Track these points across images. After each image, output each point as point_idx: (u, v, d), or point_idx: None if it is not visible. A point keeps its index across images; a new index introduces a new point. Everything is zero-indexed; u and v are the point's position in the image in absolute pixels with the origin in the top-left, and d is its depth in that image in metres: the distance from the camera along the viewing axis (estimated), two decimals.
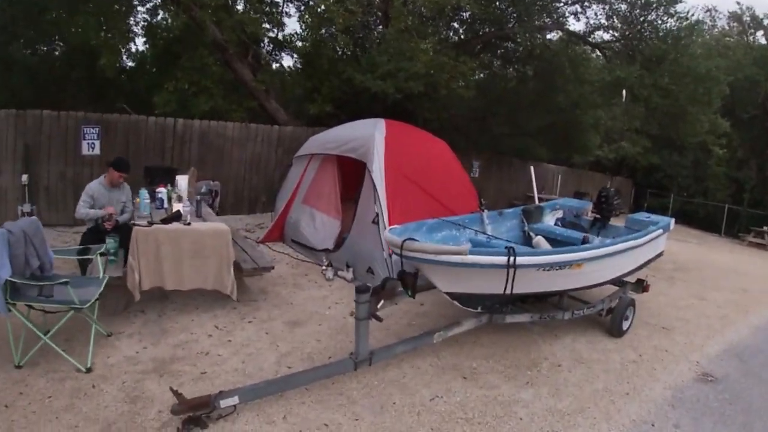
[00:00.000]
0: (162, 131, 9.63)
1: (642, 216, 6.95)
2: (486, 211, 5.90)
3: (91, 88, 14.09)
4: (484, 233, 5.53)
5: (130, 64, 15.39)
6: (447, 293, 4.10)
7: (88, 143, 8.96)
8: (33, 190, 8.47)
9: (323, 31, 11.90)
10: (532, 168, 7.45)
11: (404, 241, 3.75)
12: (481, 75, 14.99)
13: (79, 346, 4.19)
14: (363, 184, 6.55)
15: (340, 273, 6.60)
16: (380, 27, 12.83)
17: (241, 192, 10.44)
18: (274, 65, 13.52)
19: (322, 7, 10.69)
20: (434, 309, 5.74)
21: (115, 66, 11.35)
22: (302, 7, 12.89)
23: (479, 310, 4.48)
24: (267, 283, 6.28)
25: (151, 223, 5.01)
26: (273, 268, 5.72)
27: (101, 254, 5.11)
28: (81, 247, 5.03)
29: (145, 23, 13.56)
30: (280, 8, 13.11)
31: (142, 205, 5.72)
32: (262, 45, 11.70)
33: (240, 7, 12.04)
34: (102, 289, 4.31)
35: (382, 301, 4.00)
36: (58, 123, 8.78)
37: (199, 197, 7.55)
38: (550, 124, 14.72)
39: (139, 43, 14.81)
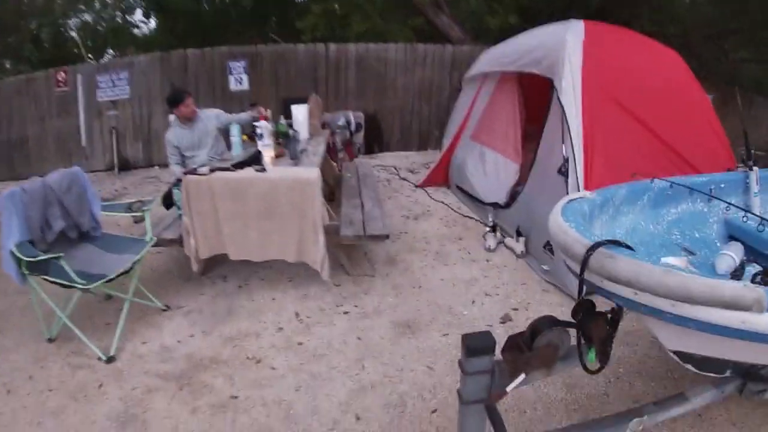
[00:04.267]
0: (313, 59, 8.22)
1: None
2: (756, 168, 3.27)
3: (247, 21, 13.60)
4: (748, 211, 2.93)
5: None
6: (675, 352, 1.80)
7: (235, 78, 8.26)
8: None
9: None
10: None
11: (592, 248, 1.60)
12: None
13: (131, 321, 3.26)
14: (549, 112, 4.28)
15: (507, 242, 4.49)
16: None
17: (409, 125, 8.58)
18: None
19: None
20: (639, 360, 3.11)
21: None
22: None
23: (728, 374, 1.97)
24: (401, 247, 4.49)
25: (214, 170, 3.56)
26: (387, 237, 3.83)
27: (167, 206, 4.21)
28: (132, 201, 3.71)
29: None
30: None
31: (234, 145, 4.28)
32: None
33: None
34: (140, 256, 3.24)
35: (522, 375, 1.76)
36: (203, 61, 8.23)
37: (336, 130, 6.01)
38: None
39: None
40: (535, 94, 5.02)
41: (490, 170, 5.27)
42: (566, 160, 3.79)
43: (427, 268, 4.10)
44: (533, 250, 4.21)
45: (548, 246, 3.90)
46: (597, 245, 1.59)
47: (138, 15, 16.52)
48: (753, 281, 2.08)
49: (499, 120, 5.38)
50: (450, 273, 4.01)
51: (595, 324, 1.72)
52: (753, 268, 2.28)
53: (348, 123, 6.10)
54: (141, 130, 8.36)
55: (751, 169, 3.20)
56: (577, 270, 1.64)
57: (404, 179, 6.72)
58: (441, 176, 6.29)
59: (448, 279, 3.90)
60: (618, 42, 4.87)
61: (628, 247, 1.62)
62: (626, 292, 1.52)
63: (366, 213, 4.08)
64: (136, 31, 16.97)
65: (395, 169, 7.24)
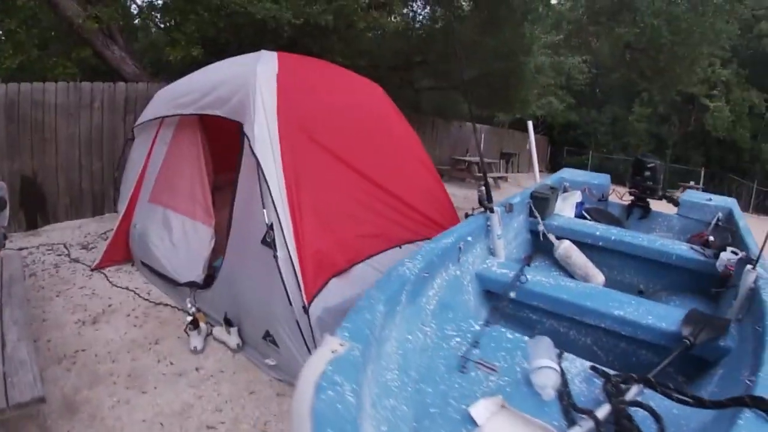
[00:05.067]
0: None
1: (698, 196, 4.94)
2: (498, 209, 3.21)
3: None
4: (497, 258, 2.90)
5: None
6: None
7: None
8: None
9: None
10: (530, 123, 4.86)
11: None
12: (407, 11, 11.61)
13: None
14: (240, 164, 3.46)
15: (216, 333, 3.57)
16: None
17: (78, 185, 6.93)
18: None
19: None
20: None
21: None
22: None
23: None
24: (81, 376, 3.22)
25: None
26: (42, 400, 2.43)
27: None
28: None
29: None
30: None
31: None
32: None
33: None
34: None
35: None
36: None
37: None
38: (483, 75, 11.66)
39: None
40: (227, 134, 4.27)
41: (179, 239, 4.28)
42: (270, 227, 3.02)
43: (121, 405, 2.94)
44: (250, 340, 3.37)
45: (269, 337, 3.11)
46: None
47: None
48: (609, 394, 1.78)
49: (182, 175, 4.44)
50: (153, 406, 2.93)
51: None
52: (575, 368, 2.01)
53: None
54: None
55: (492, 212, 3.12)
56: None
57: (77, 261, 5.25)
58: (121, 251, 5.01)
59: (153, 417, 2.82)
60: (318, 76, 4.39)
61: None
62: None
63: (7, 357, 2.67)
64: None
65: (65, 247, 5.68)
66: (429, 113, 13.97)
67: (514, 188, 12.99)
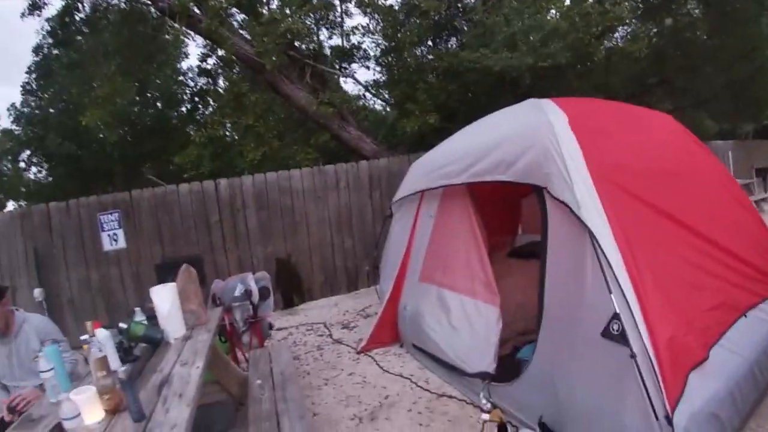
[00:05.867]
0: (201, 201, 6.62)
1: None
2: None
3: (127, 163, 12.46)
4: None
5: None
6: None
7: (108, 235, 6.42)
8: (55, 307, 6.22)
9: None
10: None
11: None
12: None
13: None
14: (547, 234, 2.93)
15: None
16: None
17: (331, 263, 7.07)
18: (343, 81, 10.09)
19: None
20: None
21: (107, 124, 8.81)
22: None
23: None
24: None
25: None
26: None
27: None
28: None
29: None
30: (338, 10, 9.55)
31: (48, 390, 2.35)
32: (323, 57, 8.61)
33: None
34: None
35: None
36: (68, 215, 6.37)
37: (234, 304, 4.34)
38: (725, 84, 10.12)
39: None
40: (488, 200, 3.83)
41: (459, 320, 3.78)
42: (615, 316, 2.37)
43: None
44: None
45: None
46: None
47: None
48: None
49: (455, 249, 4.02)
50: None
51: None
52: None
53: (248, 292, 4.33)
54: None
55: None
56: None
57: (339, 342, 5.11)
58: (388, 333, 4.72)
59: None
60: (604, 116, 3.81)
61: None
62: None
63: None
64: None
65: (325, 326, 5.64)
66: None
67: None
